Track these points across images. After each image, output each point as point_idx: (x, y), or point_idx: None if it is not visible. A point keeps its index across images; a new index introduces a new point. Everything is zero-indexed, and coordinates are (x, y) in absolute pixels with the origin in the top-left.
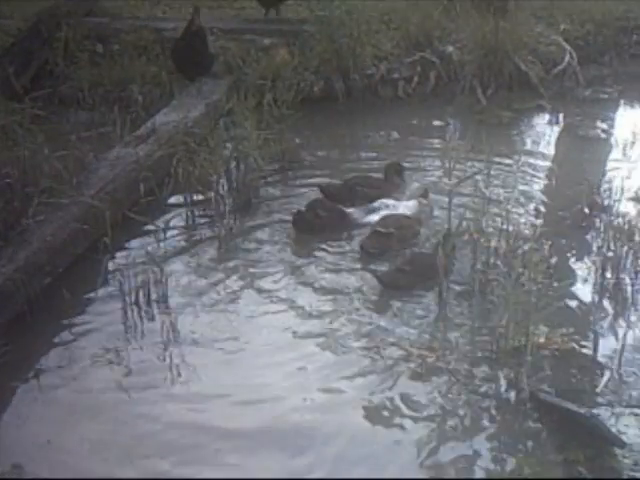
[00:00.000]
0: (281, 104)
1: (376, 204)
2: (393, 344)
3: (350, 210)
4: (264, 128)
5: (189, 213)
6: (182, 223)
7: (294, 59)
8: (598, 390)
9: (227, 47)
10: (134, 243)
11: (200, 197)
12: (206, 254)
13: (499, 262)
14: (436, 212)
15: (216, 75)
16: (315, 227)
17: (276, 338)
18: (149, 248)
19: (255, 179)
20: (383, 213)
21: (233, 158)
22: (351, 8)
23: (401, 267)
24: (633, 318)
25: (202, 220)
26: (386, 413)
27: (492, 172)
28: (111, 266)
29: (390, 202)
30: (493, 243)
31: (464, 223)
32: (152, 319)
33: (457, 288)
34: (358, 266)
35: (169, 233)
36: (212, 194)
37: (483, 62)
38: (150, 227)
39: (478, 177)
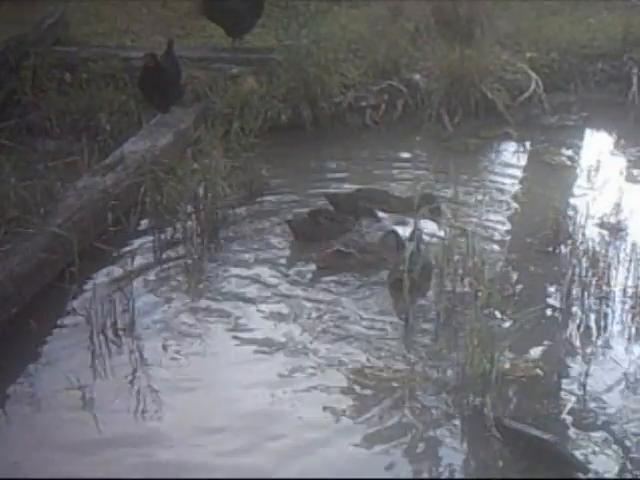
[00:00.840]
0: (249, 132)
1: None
2: (358, 369)
3: (382, 215)
4: (232, 157)
5: (156, 242)
6: (150, 252)
7: (262, 87)
8: (562, 416)
9: (195, 76)
10: (101, 272)
11: (168, 226)
12: (174, 282)
13: (465, 289)
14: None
15: (184, 104)
16: (314, 235)
17: (247, 367)
18: (116, 277)
19: (222, 208)
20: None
21: (200, 187)
22: (318, 37)
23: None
24: (598, 344)
25: (170, 249)
26: (349, 439)
27: (458, 199)
28: (78, 295)
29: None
30: (459, 269)
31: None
32: (119, 348)
33: (423, 314)
34: (325, 286)
35: (136, 262)
36: (180, 223)
37: (450, 90)
38: (117, 256)
39: (444, 204)
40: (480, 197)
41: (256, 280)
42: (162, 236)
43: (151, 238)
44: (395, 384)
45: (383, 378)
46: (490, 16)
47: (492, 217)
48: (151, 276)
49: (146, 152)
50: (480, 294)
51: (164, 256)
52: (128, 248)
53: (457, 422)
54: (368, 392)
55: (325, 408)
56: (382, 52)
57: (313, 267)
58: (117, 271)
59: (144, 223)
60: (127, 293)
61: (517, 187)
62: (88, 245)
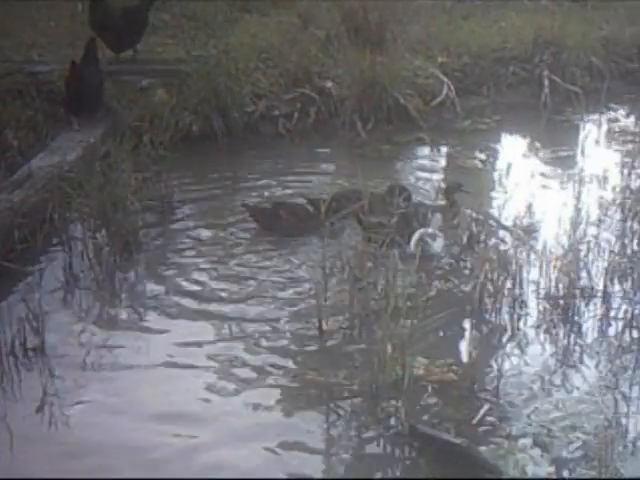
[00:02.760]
0: (159, 145)
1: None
2: (272, 376)
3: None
4: (142, 170)
5: (66, 259)
6: (59, 269)
7: (172, 99)
8: (476, 421)
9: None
10: (9, 291)
11: (77, 242)
12: (84, 300)
13: (377, 296)
14: None
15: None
16: (272, 226)
17: (163, 383)
18: (25, 296)
19: (133, 222)
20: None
21: (110, 202)
22: (227, 47)
23: None
24: (511, 346)
25: (80, 266)
26: (263, 447)
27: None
28: None
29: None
30: (371, 277)
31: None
32: (30, 370)
33: (338, 321)
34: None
35: (45, 280)
36: (89, 239)
37: (362, 97)
38: (26, 274)
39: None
40: None
41: (169, 293)
42: (72, 253)
43: (60, 255)
44: (309, 390)
45: (296, 386)
46: (401, 22)
47: None
48: (61, 294)
49: (54, 167)
50: (390, 299)
51: (74, 273)
52: (37, 266)
53: (371, 429)
54: (280, 400)
55: (234, 417)
56: (293, 60)
57: (226, 275)
58: (25, 290)
59: (53, 240)
60: (36, 312)
61: (430, 192)
62: None
